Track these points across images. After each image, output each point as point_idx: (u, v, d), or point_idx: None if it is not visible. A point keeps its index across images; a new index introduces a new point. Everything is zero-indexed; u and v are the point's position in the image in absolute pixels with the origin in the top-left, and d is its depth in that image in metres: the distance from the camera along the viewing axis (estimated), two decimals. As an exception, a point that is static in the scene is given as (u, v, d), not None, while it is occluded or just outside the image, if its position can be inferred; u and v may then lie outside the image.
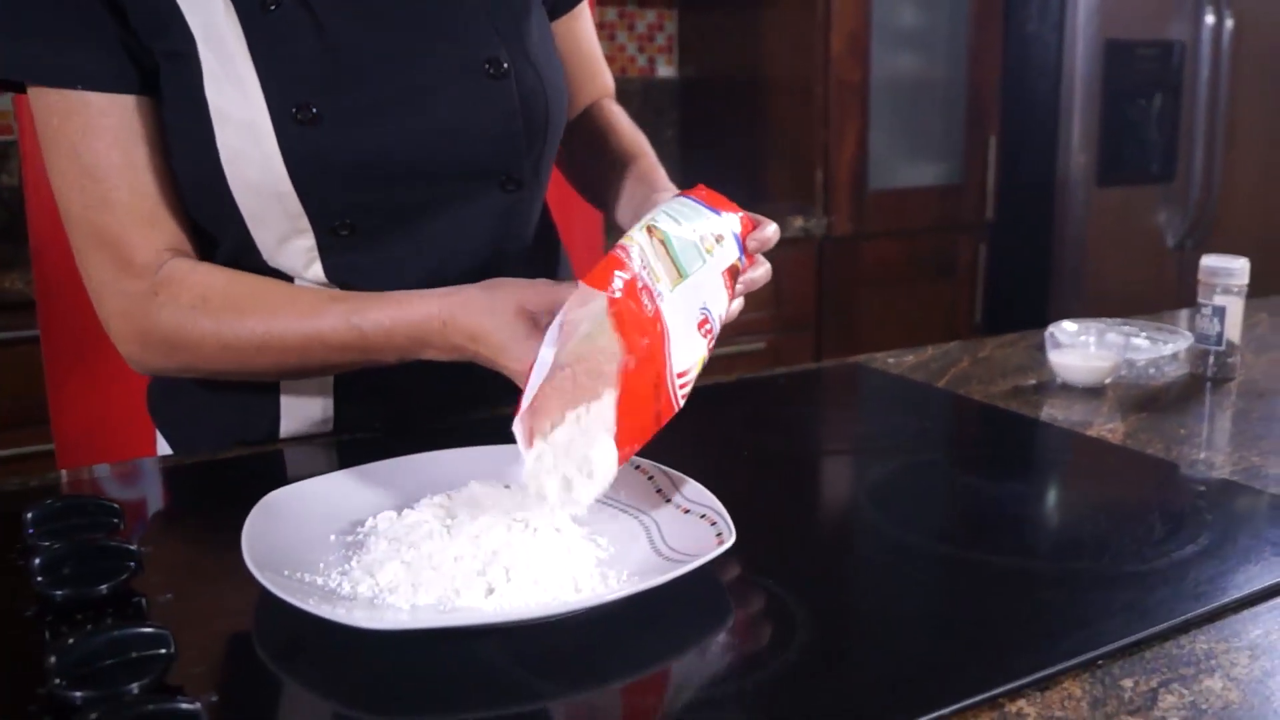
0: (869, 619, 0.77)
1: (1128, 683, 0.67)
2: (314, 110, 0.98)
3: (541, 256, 1.24)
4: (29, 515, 0.82)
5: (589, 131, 1.28)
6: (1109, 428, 1.18)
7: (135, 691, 0.61)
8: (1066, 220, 3.31)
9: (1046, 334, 1.42)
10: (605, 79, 1.35)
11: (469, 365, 1.02)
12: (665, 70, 3.48)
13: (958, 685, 0.65)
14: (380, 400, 1.12)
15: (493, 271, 1.03)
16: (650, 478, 0.88)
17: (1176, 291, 3.38)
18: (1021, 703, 0.65)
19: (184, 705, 0.58)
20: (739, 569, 0.81)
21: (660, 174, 1.17)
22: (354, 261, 1.05)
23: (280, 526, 0.79)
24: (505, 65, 1.06)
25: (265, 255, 1.04)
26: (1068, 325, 1.45)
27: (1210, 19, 3.29)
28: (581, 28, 1.30)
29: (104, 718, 0.57)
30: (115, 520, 0.84)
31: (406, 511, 0.82)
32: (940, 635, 0.73)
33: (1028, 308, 3.34)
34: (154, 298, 1.00)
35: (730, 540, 0.75)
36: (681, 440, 1.09)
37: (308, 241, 1.03)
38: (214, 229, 1.06)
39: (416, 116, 1.03)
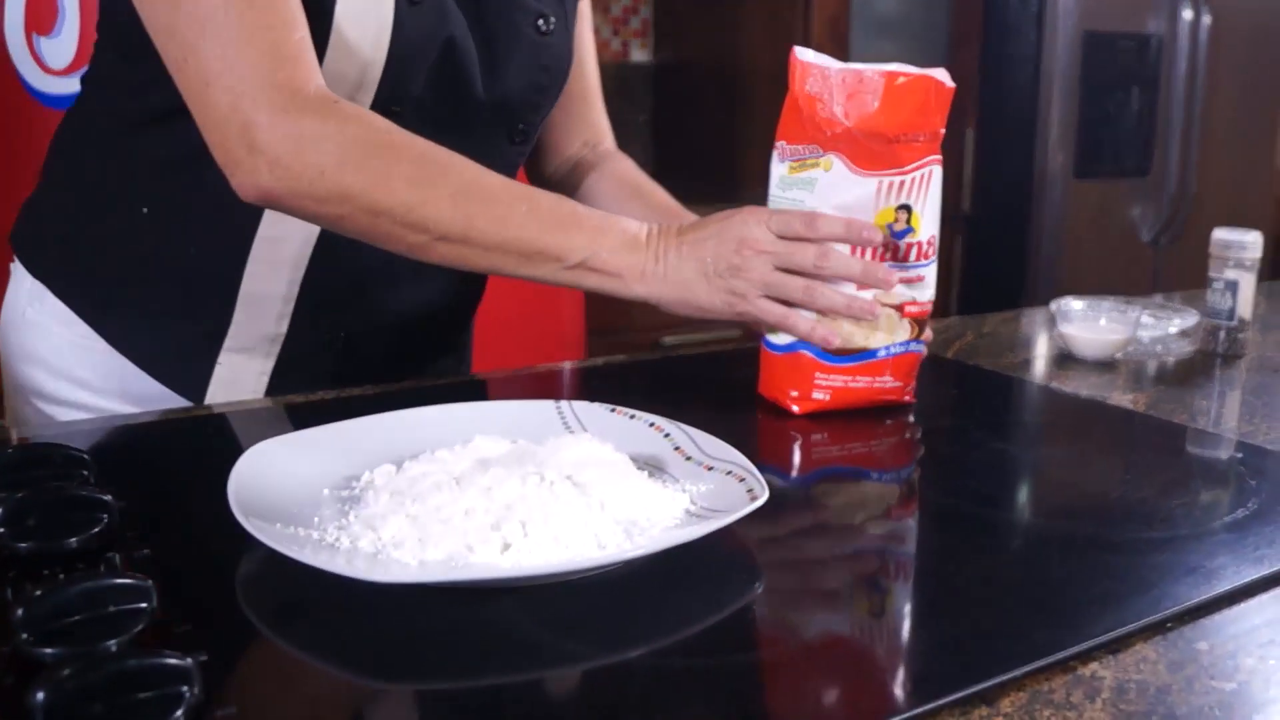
0: (921, 582, 0.71)
1: (1203, 645, 0.62)
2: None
3: None
4: (-12, 465, 0.75)
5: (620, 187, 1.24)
6: (1128, 398, 1.13)
7: (113, 649, 0.54)
8: (1043, 213, 3.27)
9: (1053, 307, 1.38)
10: (602, 115, 1.31)
11: (414, 332, 1.11)
12: (640, 54, 3.42)
13: (1025, 648, 0.59)
14: (321, 367, 1.09)
15: None
16: (667, 435, 0.82)
17: (1151, 285, 3.35)
18: (1095, 665, 0.59)
19: (172, 660, 0.51)
20: (769, 529, 0.75)
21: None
22: None
23: (268, 479, 0.72)
24: (553, 23, 1.10)
25: None
26: (1073, 301, 1.40)
27: (1188, 14, 3.27)
28: (584, 31, 1.25)
29: (79, 675, 0.50)
30: (83, 471, 0.76)
31: (407, 464, 0.75)
32: (999, 597, 0.67)
33: (1003, 300, 3.30)
34: (335, 102, 0.92)
35: (764, 496, 0.69)
36: (690, 403, 1.04)
37: None
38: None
39: (476, 41, 1.04)
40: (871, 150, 0.95)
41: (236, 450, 0.74)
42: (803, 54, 0.98)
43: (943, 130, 0.97)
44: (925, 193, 0.98)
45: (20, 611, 0.55)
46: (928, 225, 0.99)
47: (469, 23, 1.03)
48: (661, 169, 3.50)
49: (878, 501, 0.87)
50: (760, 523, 0.70)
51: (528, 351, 2.34)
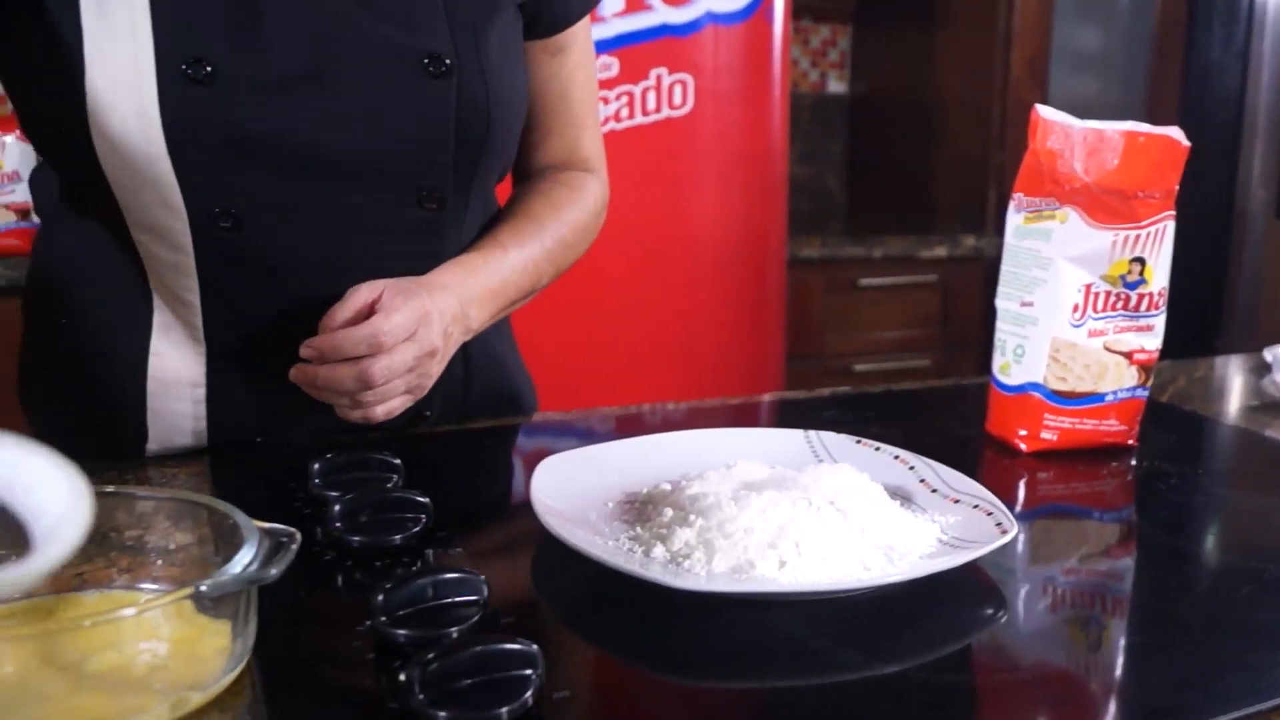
0: (1144, 619, 0.75)
1: None
2: (208, 68, 0.85)
3: None
4: (315, 466, 0.86)
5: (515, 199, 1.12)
6: (1352, 452, 1.14)
7: (454, 635, 0.63)
8: (1243, 252, 3.22)
9: (1266, 355, 1.39)
10: (578, 141, 1.15)
11: None
12: (837, 86, 3.48)
13: (1247, 687, 0.63)
14: (255, 407, 1.02)
15: None
16: (912, 468, 0.88)
17: (1355, 331, 3.26)
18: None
19: (520, 646, 0.59)
20: (1004, 560, 0.80)
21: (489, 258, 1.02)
22: (233, 260, 0.92)
23: (562, 491, 0.81)
24: (448, 63, 0.93)
25: (133, 232, 0.92)
26: (1288, 349, 1.41)
27: (1405, 51, 3.17)
28: (563, 69, 1.11)
29: (444, 656, 0.58)
30: (395, 476, 0.86)
31: (683, 483, 0.83)
32: (1225, 636, 0.71)
33: (1200, 338, 3.25)
34: None
35: (1013, 530, 0.75)
36: (921, 437, 1.09)
37: (179, 224, 0.90)
38: (80, 187, 0.94)
39: (330, 97, 0.90)
40: (1108, 205, 0.99)
41: (514, 461, 0.83)
42: (1044, 111, 1.03)
43: (1176, 187, 1.01)
44: (1159, 247, 1.02)
45: (380, 598, 0.64)
46: (1159, 278, 1.03)
47: (308, 68, 0.88)
48: (855, 199, 3.54)
49: (1103, 539, 0.91)
50: (995, 554, 0.76)
51: (731, 375, 2.42)
